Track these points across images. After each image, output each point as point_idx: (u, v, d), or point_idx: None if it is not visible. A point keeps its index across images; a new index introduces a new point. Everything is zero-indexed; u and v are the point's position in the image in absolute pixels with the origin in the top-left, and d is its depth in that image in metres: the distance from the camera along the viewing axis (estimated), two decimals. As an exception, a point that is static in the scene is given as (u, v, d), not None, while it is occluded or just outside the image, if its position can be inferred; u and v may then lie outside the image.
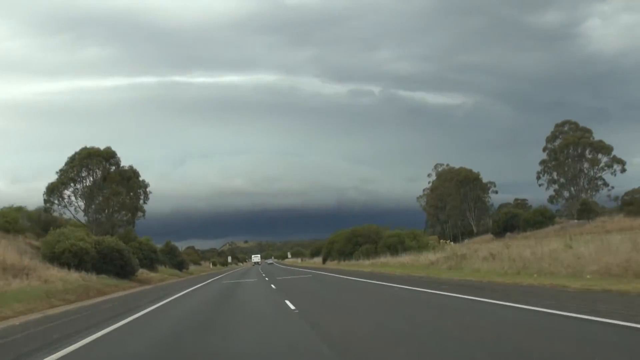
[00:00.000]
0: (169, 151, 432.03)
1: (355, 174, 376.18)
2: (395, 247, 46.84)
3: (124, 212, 56.52)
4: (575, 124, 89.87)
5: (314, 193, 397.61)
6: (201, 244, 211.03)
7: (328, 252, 72.24)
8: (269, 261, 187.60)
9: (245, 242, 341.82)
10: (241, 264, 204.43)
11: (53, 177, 53.59)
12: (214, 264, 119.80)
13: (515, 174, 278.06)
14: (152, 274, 47.51)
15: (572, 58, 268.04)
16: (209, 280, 43.39)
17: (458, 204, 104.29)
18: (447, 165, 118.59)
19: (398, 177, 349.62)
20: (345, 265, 55.94)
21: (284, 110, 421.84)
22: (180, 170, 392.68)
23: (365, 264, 47.74)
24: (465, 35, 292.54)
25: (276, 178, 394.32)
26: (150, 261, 51.41)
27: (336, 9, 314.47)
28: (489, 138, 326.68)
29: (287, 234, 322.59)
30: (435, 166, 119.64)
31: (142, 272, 45.68)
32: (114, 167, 56.52)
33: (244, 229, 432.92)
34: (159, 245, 67.01)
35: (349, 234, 61.12)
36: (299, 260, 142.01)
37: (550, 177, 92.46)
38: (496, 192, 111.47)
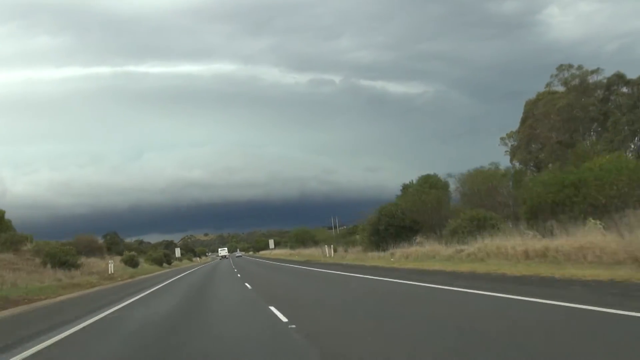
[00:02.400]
0: (125, 144, 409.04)
1: (317, 165, 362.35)
2: None
3: None
4: None
5: (276, 184, 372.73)
6: (159, 238, 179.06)
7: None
8: (237, 254, 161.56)
9: (206, 235, 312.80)
10: (197, 259, 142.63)
11: None
12: (131, 263, 51.04)
13: (479, 163, 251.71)
14: None
15: (531, 46, 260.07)
16: None
17: None
18: (580, 66, 60.51)
19: (359, 167, 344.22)
20: None
21: (244, 101, 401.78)
22: (137, 163, 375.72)
23: None
24: (426, 23, 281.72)
25: (237, 169, 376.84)
26: None
27: None
28: (450, 127, 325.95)
29: (249, 226, 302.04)
30: (560, 69, 61.36)
31: None
32: None
33: (204, 222, 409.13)
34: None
35: None
36: (324, 253, 60.26)
37: None
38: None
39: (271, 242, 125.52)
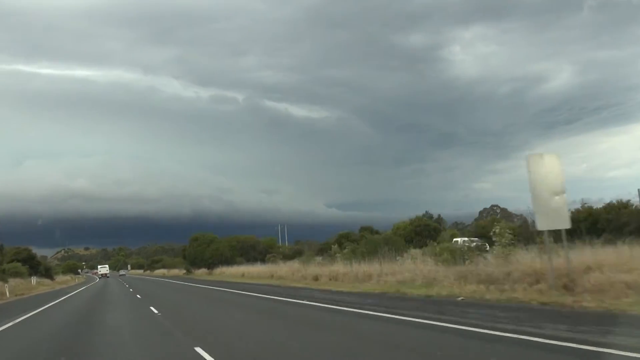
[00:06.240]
0: (5, 148, 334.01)
1: (213, 184, 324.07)
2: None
3: None
4: None
5: (168, 200, 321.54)
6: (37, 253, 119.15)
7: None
8: (122, 272, 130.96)
9: (86, 249, 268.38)
10: (43, 281, 66.99)
11: None
12: None
13: (372, 193, 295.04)
14: None
15: (431, 81, 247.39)
16: None
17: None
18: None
19: (255, 189, 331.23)
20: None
21: (140, 112, 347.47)
22: (17, 169, 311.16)
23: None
24: (332, 48, 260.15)
25: (127, 183, 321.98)
26: None
27: (204, 8, 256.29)
28: (347, 155, 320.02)
29: (138, 242, 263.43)
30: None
31: None
32: None
33: (87, 236, 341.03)
34: None
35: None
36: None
37: None
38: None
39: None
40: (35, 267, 78.83)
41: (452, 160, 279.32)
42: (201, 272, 67.60)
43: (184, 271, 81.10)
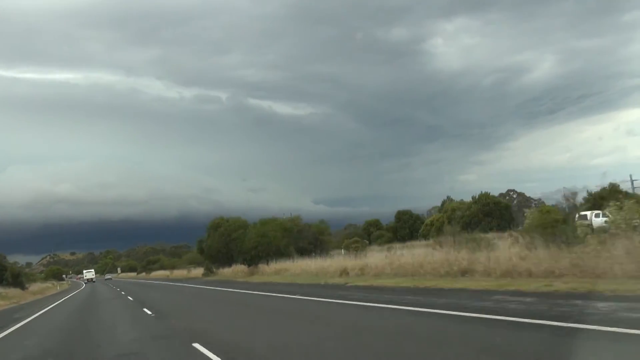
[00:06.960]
0: None
1: (199, 184, 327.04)
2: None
3: None
4: None
5: (155, 202, 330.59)
6: (22, 260, 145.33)
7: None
8: (108, 276, 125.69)
9: (72, 253, 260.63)
10: (8, 292, 49.10)
11: None
12: None
13: (359, 189, 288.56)
14: None
15: (415, 75, 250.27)
16: None
17: None
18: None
19: (242, 188, 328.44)
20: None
21: (124, 114, 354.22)
22: (0, 176, 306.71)
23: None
24: (316, 44, 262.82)
25: (112, 186, 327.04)
26: None
27: (185, 7, 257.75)
28: (334, 151, 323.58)
29: (126, 245, 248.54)
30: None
31: None
32: None
33: (74, 241, 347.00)
34: None
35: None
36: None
37: None
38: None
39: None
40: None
41: (437, 153, 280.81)
42: (233, 272, 48.21)
43: (203, 271, 61.36)
